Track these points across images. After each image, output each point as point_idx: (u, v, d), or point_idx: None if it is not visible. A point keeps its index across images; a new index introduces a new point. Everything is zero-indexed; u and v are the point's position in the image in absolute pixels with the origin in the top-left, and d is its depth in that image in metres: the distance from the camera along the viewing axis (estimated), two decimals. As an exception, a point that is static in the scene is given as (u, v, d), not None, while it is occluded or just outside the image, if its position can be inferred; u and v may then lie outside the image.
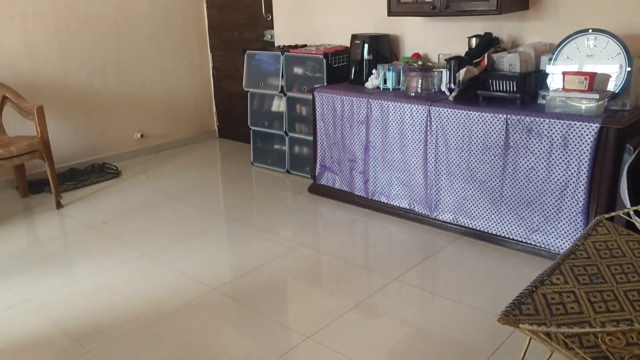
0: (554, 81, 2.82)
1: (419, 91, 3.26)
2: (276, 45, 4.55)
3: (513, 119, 2.72)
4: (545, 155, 2.65)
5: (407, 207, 3.29)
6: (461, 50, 3.38)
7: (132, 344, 2.17)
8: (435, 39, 3.58)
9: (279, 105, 4.22)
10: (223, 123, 5.37)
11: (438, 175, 3.08)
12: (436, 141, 3.04)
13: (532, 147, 2.68)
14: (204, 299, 2.49)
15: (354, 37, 3.72)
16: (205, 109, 5.31)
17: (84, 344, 2.17)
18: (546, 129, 2.62)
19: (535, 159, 2.68)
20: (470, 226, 3.02)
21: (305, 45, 4.19)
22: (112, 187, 4.08)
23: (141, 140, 4.82)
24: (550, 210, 2.70)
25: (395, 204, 3.35)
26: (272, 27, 4.61)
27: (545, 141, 2.63)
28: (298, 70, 4.04)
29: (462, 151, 2.94)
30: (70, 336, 2.23)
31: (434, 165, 3.08)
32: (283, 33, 4.51)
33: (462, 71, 2.95)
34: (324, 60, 3.80)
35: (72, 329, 2.28)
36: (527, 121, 2.67)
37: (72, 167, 4.28)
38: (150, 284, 2.65)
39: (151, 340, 2.20)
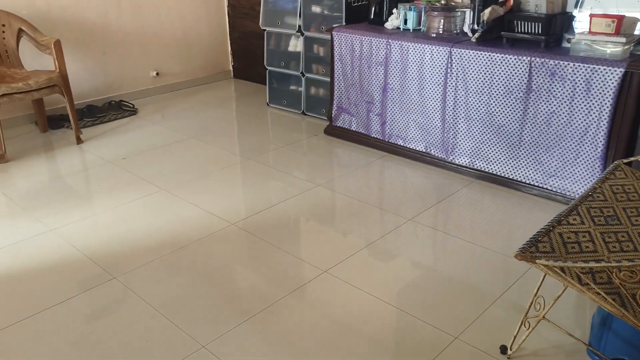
0: (580, 24, 2.75)
1: (441, 32, 3.20)
2: (294, -18, 4.43)
3: (537, 62, 2.67)
4: (568, 100, 2.62)
5: (423, 150, 3.30)
6: (486, -10, 3.28)
7: (155, 272, 2.26)
8: (459, -22, 3.47)
9: (295, 45, 4.16)
10: (238, 63, 5.32)
11: (456, 118, 3.07)
12: (456, 84, 3.01)
13: (554, 91, 2.65)
14: (222, 232, 2.56)
15: (375, -26, 3.62)
16: (220, 49, 5.25)
17: (109, 271, 2.26)
18: (570, 73, 2.58)
19: (557, 103, 2.66)
20: (487, 170, 3.03)
21: (324, -17, 4.09)
22: (130, 124, 4.10)
23: (157, 78, 4.80)
24: (569, 155, 2.69)
25: (411, 147, 3.35)
26: (290, -36, 4.48)
27: (568, 85, 2.60)
28: (316, 8, 3.96)
29: (482, 94, 2.91)
30: (96, 263, 2.32)
31: (453, 108, 3.06)
32: (301, -30, 4.39)
33: (487, 11, 2.88)
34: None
35: (97, 257, 2.37)
36: (551, 64, 2.63)
37: (89, 104, 4.29)
38: (170, 217, 2.72)
39: (172, 269, 2.28)
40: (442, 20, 3.20)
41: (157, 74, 4.79)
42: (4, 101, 3.29)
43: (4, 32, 3.64)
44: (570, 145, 2.67)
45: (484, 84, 2.89)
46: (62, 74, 3.51)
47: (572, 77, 2.58)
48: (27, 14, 3.89)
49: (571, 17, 2.79)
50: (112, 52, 4.46)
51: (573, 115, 2.63)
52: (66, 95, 3.54)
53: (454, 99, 3.04)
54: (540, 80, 2.68)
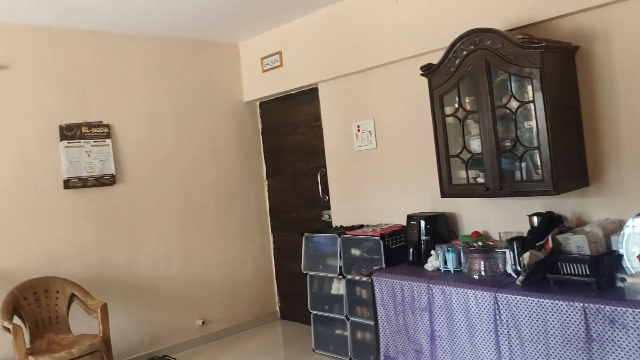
0: (630, 262, 2.59)
1: (483, 274, 3.09)
2: (334, 225, 4.59)
3: (591, 308, 2.46)
4: (636, 350, 2.33)
5: (485, 407, 2.92)
6: (523, 227, 3.25)
7: None
8: (494, 216, 3.48)
9: (338, 287, 4.12)
10: (285, 304, 5.29)
11: (515, 370, 2.76)
12: (508, 332, 2.78)
13: (618, 340, 2.38)
14: None
15: (410, 217, 3.69)
16: (266, 290, 5.29)
17: None
18: (631, 320, 2.33)
19: (625, 354, 2.36)
20: None
21: (362, 226, 4.19)
22: (170, 383, 3.95)
23: (202, 327, 4.77)
24: (655, 418, 2.29)
25: (470, 402, 2.99)
26: (329, 208, 4.71)
27: (632, 334, 2.33)
28: (356, 251, 4.00)
29: (539, 344, 2.65)
30: None
31: None
32: (340, 213, 4.58)
33: (526, 255, 2.78)
34: (381, 242, 3.75)
35: None
36: (607, 311, 2.41)
37: (133, 361, 4.24)
38: None
39: None
40: (482, 262, 3.11)
41: (203, 322, 4.77)
42: (44, 373, 3.26)
43: (57, 298, 3.80)
44: (655, 403, 2.29)
45: (538, 331, 2.65)
46: (105, 338, 3.52)
47: (635, 324, 2.32)
48: (82, 277, 4.10)
49: (619, 256, 2.65)
50: (160, 305, 4.53)
51: (648, 367, 2.30)
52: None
53: (509, 349, 2.78)
54: (599, 328, 2.43)
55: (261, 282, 5.25)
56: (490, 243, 3.28)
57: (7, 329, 3.37)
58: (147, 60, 4.64)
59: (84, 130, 4.27)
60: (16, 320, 3.55)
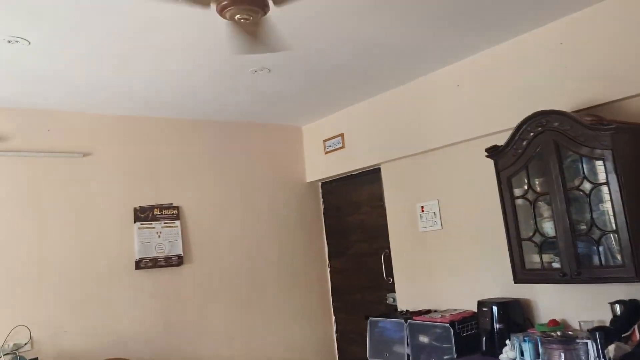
0: None
1: (564, 367, 2.87)
2: (399, 309, 4.46)
3: (693, 412, 2.22)
4: None
5: None
6: (603, 315, 3.04)
7: None
8: (572, 303, 3.28)
9: (406, 378, 3.94)
10: (348, 391, 5.09)
11: None
12: None
13: None
14: None
15: (481, 303, 3.54)
16: (329, 377, 5.12)
17: None
18: None
19: None
20: None
21: (429, 311, 4.05)
22: None
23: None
24: None
25: None
26: (393, 290, 4.59)
27: None
28: (424, 339, 3.83)
29: None
30: None
31: None
32: (405, 296, 4.46)
33: (612, 348, 2.59)
34: (451, 329, 3.59)
35: None
36: None
37: None
38: None
39: None
40: (562, 354, 2.91)
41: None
42: None
43: (123, 380, 3.83)
44: None
45: None
46: None
47: None
48: (148, 358, 4.13)
49: None
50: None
51: None
52: None
53: None
54: None
55: (324, 369, 5.10)
56: (570, 333, 3.07)
57: (75, 411, 3.40)
58: (215, 144, 4.86)
59: (156, 212, 4.45)
60: (84, 401, 3.59)
